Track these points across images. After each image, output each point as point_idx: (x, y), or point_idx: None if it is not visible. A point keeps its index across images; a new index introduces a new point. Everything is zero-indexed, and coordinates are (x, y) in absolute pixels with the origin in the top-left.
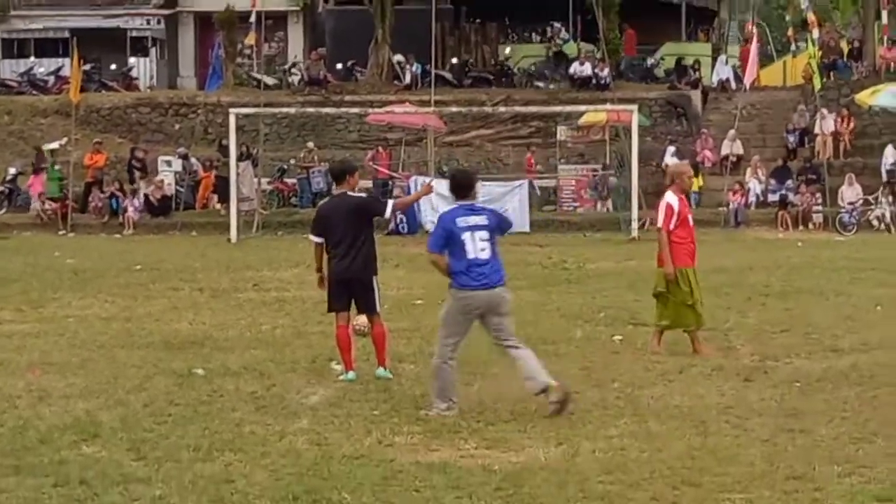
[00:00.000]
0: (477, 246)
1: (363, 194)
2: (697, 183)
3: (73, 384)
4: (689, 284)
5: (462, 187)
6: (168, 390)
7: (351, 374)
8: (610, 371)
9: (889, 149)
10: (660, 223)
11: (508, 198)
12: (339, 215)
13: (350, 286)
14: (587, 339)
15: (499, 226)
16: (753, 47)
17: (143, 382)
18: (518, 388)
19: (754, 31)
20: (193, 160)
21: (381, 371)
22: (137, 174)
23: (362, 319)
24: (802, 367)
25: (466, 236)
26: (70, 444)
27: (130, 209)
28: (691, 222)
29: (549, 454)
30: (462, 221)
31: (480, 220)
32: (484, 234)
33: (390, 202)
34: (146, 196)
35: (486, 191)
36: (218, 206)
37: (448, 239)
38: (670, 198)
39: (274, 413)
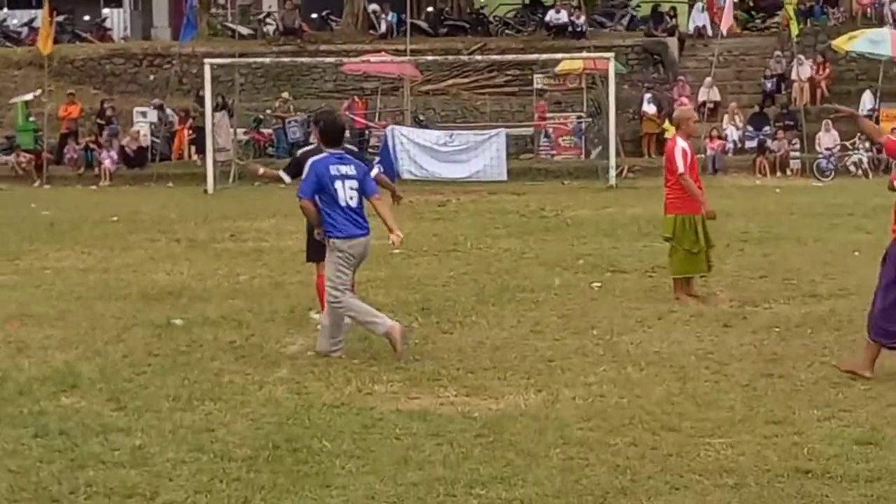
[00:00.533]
0: (347, 194)
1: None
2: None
3: (51, 335)
4: (695, 232)
5: (333, 135)
6: (146, 341)
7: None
8: (589, 318)
9: (867, 94)
10: (681, 168)
11: (486, 146)
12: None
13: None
14: (566, 287)
15: (364, 179)
16: None
17: (122, 333)
18: (497, 335)
19: None
20: (169, 111)
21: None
22: (106, 129)
23: None
24: (781, 313)
25: (339, 185)
26: (49, 395)
27: (107, 161)
28: (698, 168)
29: (528, 401)
30: (334, 170)
31: (349, 169)
32: (353, 183)
33: (375, 170)
34: (122, 147)
35: (463, 139)
36: (194, 157)
37: (320, 186)
38: (682, 143)
39: (253, 362)
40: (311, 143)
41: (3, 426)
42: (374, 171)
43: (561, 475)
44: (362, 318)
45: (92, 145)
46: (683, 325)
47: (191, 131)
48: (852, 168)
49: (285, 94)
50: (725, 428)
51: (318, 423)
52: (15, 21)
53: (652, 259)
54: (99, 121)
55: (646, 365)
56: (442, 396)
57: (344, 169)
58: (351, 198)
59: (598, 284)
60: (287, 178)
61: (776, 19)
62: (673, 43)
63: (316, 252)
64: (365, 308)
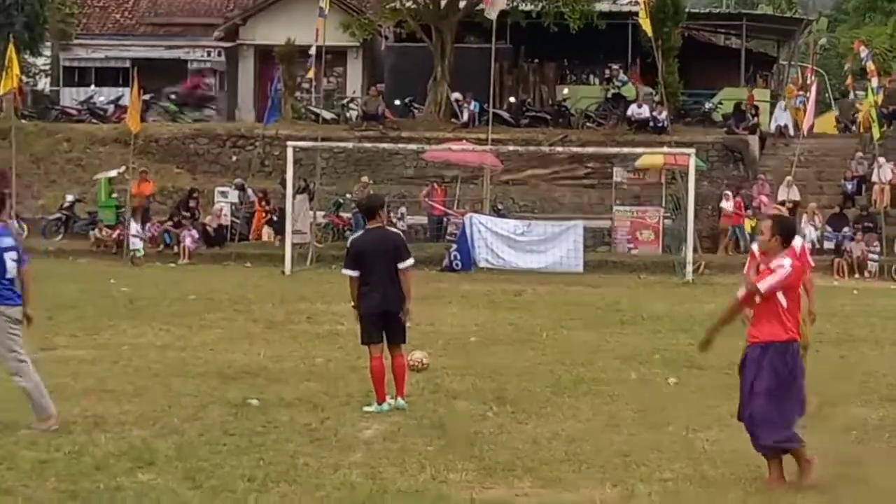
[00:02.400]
0: (9, 266)
1: (398, 232)
2: (750, 225)
3: (128, 411)
4: None
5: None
6: (223, 420)
7: (385, 406)
8: (665, 414)
9: None
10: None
11: (563, 237)
12: (376, 249)
13: (386, 318)
14: (642, 381)
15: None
16: (812, 94)
17: (198, 411)
18: (572, 427)
19: (813, 78)
20: (249, 191)
21: (400, 401)
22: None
23: (417, 355)
24: (859, 415)
25: (7, 256)
26: (125, 471)
27: (187, 239)
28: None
29: (604, 495)
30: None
31: (9, 241)
32: (14, 254)
33: (411, 260)
34: (203, 225)
35: (540, 230)
36: (273, 237)
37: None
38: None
39: (328, 446)
40: (368, 228)
41: (80, 501)
42: (406, 264)
43: None
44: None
45: (171, 228)
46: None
47: (269, 213)
48: None
49: (365, 178)
50: None
51: None
52: (102, 98)
53: (729, 356)
54: (184, 212)
55: (722, 463)
56: (517, 487)
57: (6, 241)
58: (12, 269)
59: (675, 380)
60: (353, 273)
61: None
62: (754, 141)
63: (373, 335)
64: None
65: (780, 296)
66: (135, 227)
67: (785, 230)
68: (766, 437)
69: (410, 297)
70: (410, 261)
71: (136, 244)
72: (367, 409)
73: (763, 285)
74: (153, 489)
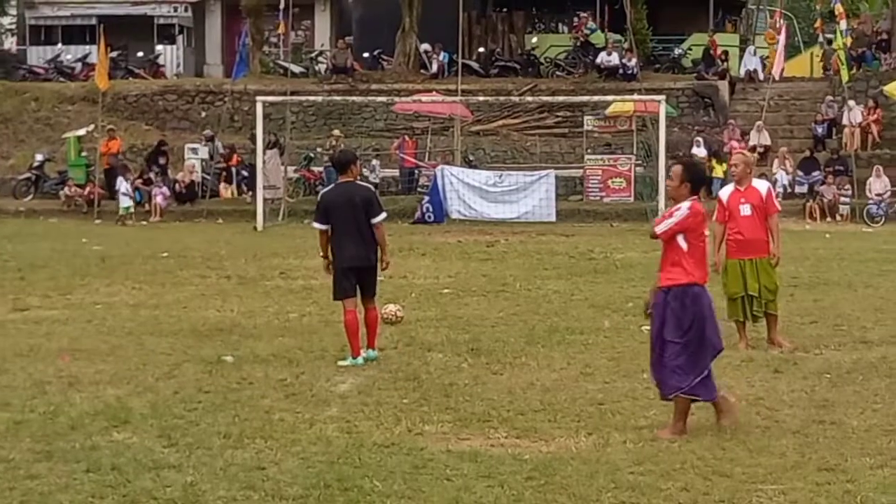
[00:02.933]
0: None
1: (369, 186)
2: (721, 170)
3: (102, 370)
4: (738, 279)
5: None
6: (197, 377)
7: (360, 359)
8: (639, 361)
9: None
10: (714, 219)
11: (535, 187)
12: (346, 203)
13: (359, 272)
14: (616, 330)
15: None
16: (782, 38)
17: (173, 369)
18: (547, 377)
19: (782, 21)
20: (219, 143)
21: (371, 353)
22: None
23: (391, 308)
24: (832, 359)
25: None
26: (101, 430)
27: (158, 197)
28: (742, 213)
29: (579, 444)
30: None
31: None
32: None
33: (384, 214)
34: (174, 182)
35: (512, 180)
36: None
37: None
38: (725, 192)
39: (304, 401)
40: (339, 182)
41: (55, 461)
42: (379, 219)
43: None
44: None
45: (141, 186)
46: (734, 371)
47: (233, 168)
48: None
49: (336, 132)
50: (777, 475)
51: (368, 462)
52: (69, 56)
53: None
54: (155, 167)
55: (696, 409)
56: (492, 438)
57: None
58: None
59: (648, 327)
60: (323, 227)
61: None
62: (724, 86)
63: (346, 289)
64: None
65: (679, 239)
66: (124, 185)
67: (694, 176)
68: (672, 385)
69: (386, 250)
70: (383, 215)
71: (126, 202)
72: (341, 363)
73: (659, 228)
74: (129, 448)
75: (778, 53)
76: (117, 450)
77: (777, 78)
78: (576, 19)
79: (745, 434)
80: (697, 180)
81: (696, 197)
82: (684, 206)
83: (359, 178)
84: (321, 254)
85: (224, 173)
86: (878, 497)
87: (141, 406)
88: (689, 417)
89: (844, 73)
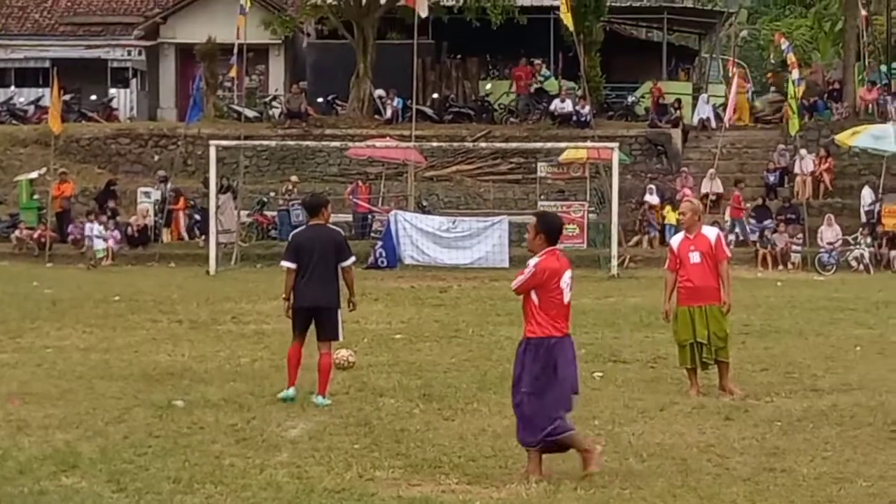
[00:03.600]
0: None
1: (339, 230)
2: (674, 217)
3: (52, 415)
4: (688, 326)
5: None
6: (148, 422)
7: (291, 392)
8: (590, 408)
9: (866, 189)
10: (666, 267)
11: (488, 233)
12: (315, 245)
13: (318, 313)
14: None
15: None
16: (734, 86)
17: (123, 414)
18: (498, 423)
19: (734, 70)
20: (169, 185)
21: (320, 399)
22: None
23: (343, 353)
24: (783, 406)
25: None
26: (49, 475)
27: (111, 240)
28: (691, 261)
29: (530, 491)
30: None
31: None
32: None
33: (353, 258)
34: (126, 226)
35: (465, 226)
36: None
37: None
38: (676, 240)
39: (254, 446)
40: (309, 224)
41: None
42: (348, 262)
43: None
44: None
45: (88, 223)
46: (685, 418)
47: (190, 212)
48: (853, 263)
49: (294, 178)
50: None
51: None
52: (22, 99)
53: (654, 350)
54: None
55: (647, 456)
56: (443, 484)
57: None
58: None
59: (600, 374)
60: (291, 265)
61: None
62: (677, 134)
63: (299, 326)
64: None
65: (532, 294)
66: (96, 228)
67: (547, 227)
68: (527, 435)
69: (354, 292)
70: (352, 259)
71: (99, 245)
72: (279, 395)
73: (514, 283)
74: (77, 493)
75: (730, 101)
76: (66, 494)
77: (729, 125)
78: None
79: (696, 481)
80: (551, 230)
81: (552, 248)
82: (531, 265)
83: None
84: (284, 295)
85: (172, 216)
86: None
87: (90, 451)
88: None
89: (795, 122)
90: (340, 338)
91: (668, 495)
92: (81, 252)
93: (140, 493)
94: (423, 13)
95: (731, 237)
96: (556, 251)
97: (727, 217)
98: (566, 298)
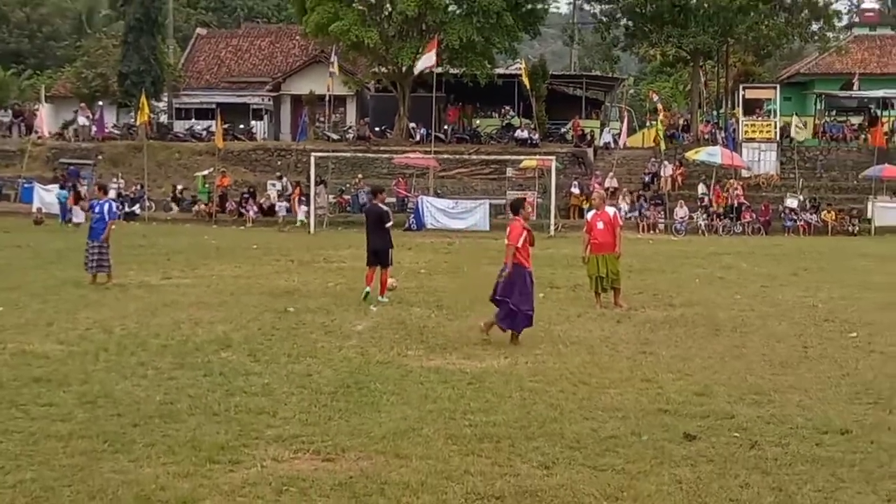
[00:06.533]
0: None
1: (385, 207)
2: (589, 202)
3: (215, 315)
4: (595, 266)
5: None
6: (272, 321)
7: (368, 289)
8: (537, 315)
9: (701, 185)
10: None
11: (477, 210)
12: (371, 215)
13: (377, 252)
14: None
15: None
16: (625, 123)
17: (257, 315)
18: (483, 323)
19: (625, 112)
20: (285, 180)
21: (382, 298)
22: (250, 199)
23: (390, 281)
24: (651, 315)
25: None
26: (213, 351)
27: (251, 211)
28: (598, 227)
29: (499, 363)
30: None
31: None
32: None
33: (391, 223)
34: (260, 204)
35: (463, 205)
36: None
37: None
38: (589, 215)
39: (336, 335)
40: (371, 202)
41: (186, 369)
42: (388, 225)
43: (518, 408)
44: None
45: (241, 208)
46: (592, 321)
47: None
48: (696, 230)
49: (360, 176)
50: (616, 383)
51: (373, 373)
52: (199, 127)
53: (575, 280)
54: (245, 193)
55: (570, 344)
56: (448, 359)
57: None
58: None
59: (542, 295)
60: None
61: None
62: (590, 151)
63: (369, 261)
64: None
65: (520, 242)
66: (303, 206)
67: (512, 206)
68: (508, 322)
69: (392, 244)
70: (391, 223)
71: (301, 215)
72: (371, 307)
73: (508, 241)
74: (230, 362)
75: (623, 131)
76: (223, 363)
77: (622, 147)
78: (503, 110)
79: (598, 359)
80: (513, 208)
81: (515, 217)
82: (509, 228)
83: (384, 202)
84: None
85: (291, 198)
86: (676, 396)
87: (238, 337)
88: (580, 348)
89: (663, 144)
90: (390, 266)
91: (581, 367)
92: (234, 219)
93: (268, 362)
94: (419, 69)
95: (623, 213)
96: (518, 219)
97: (620, 201)
98: (524, 245)
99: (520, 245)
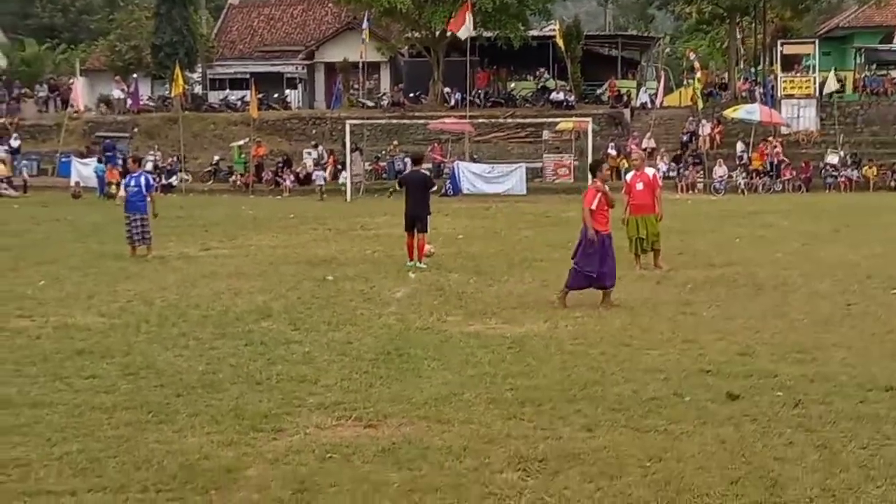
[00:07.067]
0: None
1: (427, 171)
2: (626, 163)
3: (254, 285)
4: (634, 228)
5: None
6: (311, 289)
7: (410, 263)
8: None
9: (739, 143)
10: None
11: (513, 174)
12: (415, 181)
13: (414, 219)
14: (561, 260)
15: None
16: (662, 82)
17: (296, 284)
18: (520, 288)
19: (662, 72)
20: (321, 149)
21: (420, 264)
22: (285, 168)
23: (428, 246)
24: (691, 275)
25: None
26: (254, 321)
27: (287, 181)
28: (637, 188)
29: (539, 327)
30: None
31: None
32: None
33: (434, 187)
34: (296, 173)
35: (500, 169)
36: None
37: None
38: (629, 176)
39: (375, 302)
40: (412, 169)
41: (227, 339)
42: (432, 189)
43: (559, 371)
44: None
45: (277, 177)
46: (633, 283)
47: (336, 163)
48: (735, 189)
49: (395, 142)
50: (657, 344)
51: (413, 339)
52: (233, 97)
53: (616, 243)
54: (280, 163)
55: (609, 306)
56: (487, 324)
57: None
58: None
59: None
60: (399, 188)
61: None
62: (627, 112)
63: (407, 226)
64: None
65: (594, 205)
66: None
67: (591, 169)
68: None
69: (430, 210)
70: (434, 187)
71: (319, 181)
72: (410, 274)
73: (585, 204)
74: (270, 331)
75: (660, 91)
76: (264, 332)
77: (659, 106)
78: (538, 73)
79: (639, 319)
80: (592, 169)
81: (594, 179)
82: (584, 192)
83: (422, 168)
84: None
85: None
86: (718, 357)
87: (277, 306)
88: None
89: (700, 103)
90: (427, 232)
91: (622, 330)
92: (270, 189)
93: (308, 331)
94: (463, 37)
95: (661, 174)
96: (596, 181)
97: (658, 162)
98: (599, 207)
99: (594, 207)
